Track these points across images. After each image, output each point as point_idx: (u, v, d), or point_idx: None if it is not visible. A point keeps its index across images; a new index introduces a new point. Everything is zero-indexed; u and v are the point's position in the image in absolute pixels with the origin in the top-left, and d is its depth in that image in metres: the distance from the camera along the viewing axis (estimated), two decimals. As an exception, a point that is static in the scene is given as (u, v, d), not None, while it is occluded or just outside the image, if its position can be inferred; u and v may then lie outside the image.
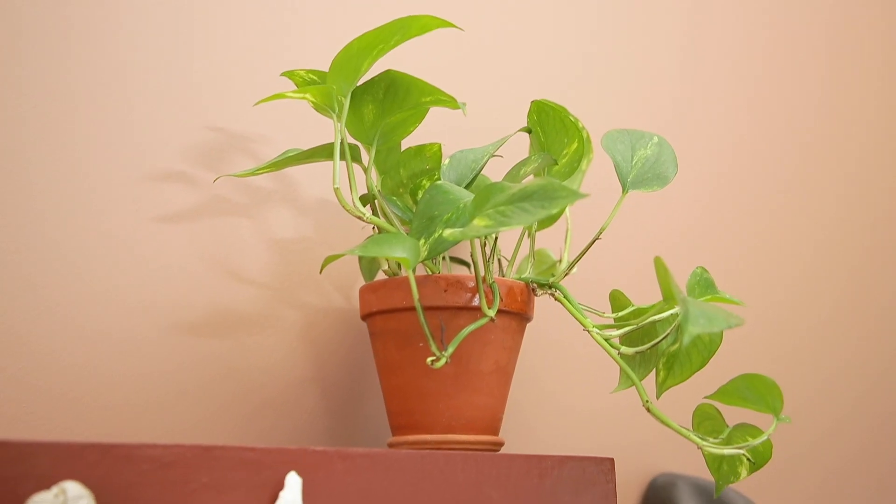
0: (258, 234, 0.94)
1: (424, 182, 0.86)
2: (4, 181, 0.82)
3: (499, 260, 0.88)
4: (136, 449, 0.62)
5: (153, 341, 0.86)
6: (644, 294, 0.93)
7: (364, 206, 0.85)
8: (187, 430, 0.86)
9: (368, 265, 0.93)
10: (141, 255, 0.87)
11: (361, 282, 0.98)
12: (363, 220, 0.80)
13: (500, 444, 0.84)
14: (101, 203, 0.86)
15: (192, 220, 0.90)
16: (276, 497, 0.66)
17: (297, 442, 0.92)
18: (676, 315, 0.76)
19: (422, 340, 0.81)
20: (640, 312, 0.81)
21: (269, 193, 0.95)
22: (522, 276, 0.86)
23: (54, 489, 0.57)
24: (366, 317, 0.86)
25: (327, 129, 0.96)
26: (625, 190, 0.82)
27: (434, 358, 0.74)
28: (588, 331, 0.78)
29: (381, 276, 0.96)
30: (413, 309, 0.81)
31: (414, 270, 0.74)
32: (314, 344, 0.94)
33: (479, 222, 0.70)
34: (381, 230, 0.84)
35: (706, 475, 1.11)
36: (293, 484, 0.66)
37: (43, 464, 0.58)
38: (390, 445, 0.84)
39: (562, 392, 1.08)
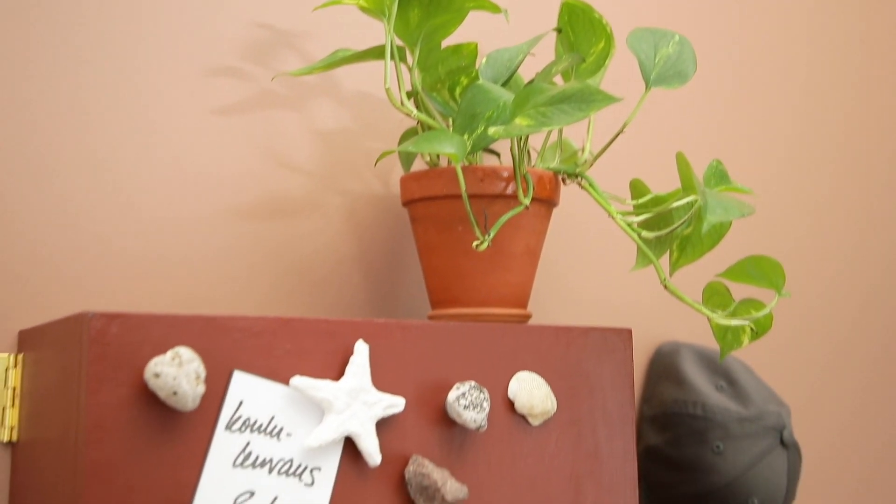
0: (304, 125, 1.01)
1: (462, 79, 0.93)
2: (74, 79, 0.90)
3: (528, 151, 0.96)
4: (230, 320, 0.72)
5: (211, 224, 0.95)
6: (658, 183, 1.02)
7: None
8: (245, 303, 0.96)
9: (407, 155, 1.01)
10: (200, 146, 0.95)
11: (398, 170, 1.06)
12: (410, 117, 0.87)
13: (529, 317, 0.94)
14: (161, 97, 0.94)
15: (244, 113, 0.98)
16: (347, 361, 0.76)
17: (341, 315, 1.02)
18: (692, 203, 0.85)
19: (460, 225, 0.90)
20: (658, 200, 0.90)
21: (313, 88, 1.02)
22: (551, 166, 0.94)
23: (170, 353, 0.67)
24: (407, 203, 0.95)
25: (365, 30, 1.02)
26: (648, 87, 0.89)
27: (478, 241, 0.83)
28: (612, 217, 0.87)
29: (417, 165, 1.04)
30: (452, 196, 0.89)
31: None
32: (356, 227, 1.03)
33: (521, 121, 0.77)
34: (424, 125, 0.92)
35: (707, 343, 1.22)
36: (361, 350, 0.76)
37: (157, 333, 0.68)
38: (430, 318, 0.94)
39: (580, 271, 1.18)
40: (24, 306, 0.85)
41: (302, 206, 1.00)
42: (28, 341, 0.82)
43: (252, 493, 0.70)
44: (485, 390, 0.80)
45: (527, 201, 0.86)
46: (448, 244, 0.91)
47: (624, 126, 0.90)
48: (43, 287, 0.86)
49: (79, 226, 0.89)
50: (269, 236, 0.98)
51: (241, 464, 0.70)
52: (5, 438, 0.82)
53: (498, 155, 1.05)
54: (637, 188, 0.94)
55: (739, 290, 0.92)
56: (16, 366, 0.83)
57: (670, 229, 0.84)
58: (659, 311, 1.20)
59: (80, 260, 0.88)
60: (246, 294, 0.96)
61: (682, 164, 0.77)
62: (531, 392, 0.84)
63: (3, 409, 0.82)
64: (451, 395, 0.79)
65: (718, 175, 0.84)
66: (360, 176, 1.04)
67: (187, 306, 0.93)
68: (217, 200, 0.96)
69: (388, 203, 1.05)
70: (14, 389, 0.82)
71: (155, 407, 0.67)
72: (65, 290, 0.87)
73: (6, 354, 0.83)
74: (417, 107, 0.93)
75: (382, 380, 0.77)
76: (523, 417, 0.84)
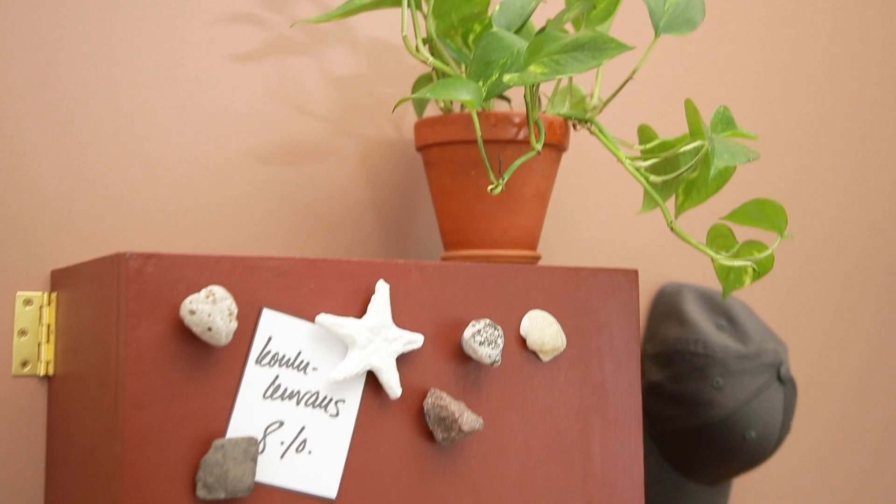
0: (319, 71, 1.04)
1: (475, 26, 0.95)
2: (98, 30, 0.92)
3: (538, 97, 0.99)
4: (259, 260, 0.75)
5: (231, 168, 0.98)
6: (665, 128, 1.05)
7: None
8: (264, 245, 1.00)
9: (420, 101, 1.04)
10: (219, 92, 0.98)
11: (411, 116, 1.09)
12: (426, 64, 0.90)
13: (538, 258, 0.98)
14: (182, 45, 0.96)
15: (260, 59, 1.00)
16: (368, 300, 0.80)
17: (355, 257, 1.05)
18: (699, 148, 0.88)
19: (473, 169, 0.93)
20: (665, 145, 0.93)
21: (329, 35, 1.04)
22: (562, 112, 0.97)
23: (204, 291, 0.70)
24: (421, 148, 0.97)
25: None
26: (657, 34, 0.91)
27: (493, 186, 0.86)
28: (622, 161, 0.90)
29: (429, 111, 1.06)
30: (466, 142, 0.92)
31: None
32: (370, 171, 1.06)
33: (535, 69, 0.80)
34: (438, 72, 0.94)
35: (707, 284, 1.26)
36: (382, 289, 0.80)
37: (190, 272, 0.72)
38: (443, 259, 0.98)
39: (586, 214, 1.21)
40: (55, 247, 0.89)
41: (318, 151, 1.03)
42: (60, 281, 0.86)
43: (281, 423, 0.75)
44: (499, 327, 0.84)
45: (539, 147, 0.89)
46: (461, 188, 0.94)
47: (633, 73, 0.92)
48: (71, 229, 0.90)
49: (102, 171, 0.92)
50: (286, 180, 1.01)
51: (271, 396, 0.74)
52: (42, 372, 0.86)
53: (508, 101, 1.07)
54: (645, 134, 0.97)
55: (742, 233, 0.96)
56: (49, 304, 0.86)
57: (677, 174, 0.88)
58: (661, 253, 1.24)
59: (104, 203, 0.92)
60: (265, 236, 1.00)
61: (691, 110, 0.79)
62: (542, 329, 0.88)
63: (39, 345, 0.86)
64: (467, 332, 0.83)
65: (725, 121, 0.87)
66: (373, 121, 1.07)
67: (209, 248, 0.96)
68: (236, 145, 0.99)
69: (400, 148, 1.08)
70: (48, 326, 0.86)
71: (190, 342, 0.71)
72: (92, 232, 0.91)
73: (40, 293, 0.87)
74: (432, 53, 0.95)
75: (402, 317, 0.81)
76: (534, 354, 0.88)
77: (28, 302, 0.86)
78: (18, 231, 0.87)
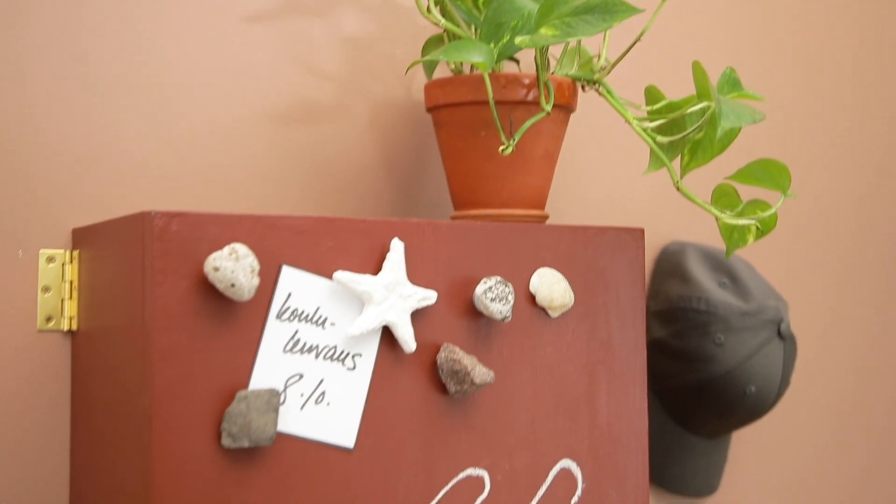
0: (329, 32, 1.05)
1: (485, -13, 0.96)
2: (115, -13, 0.93)
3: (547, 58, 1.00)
4: (278, 219, 0.77)
5: (244, 128, 1.00)
6: (671, 90, 1.06)
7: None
8: (278, 205, 1.02)
9: (431, 63, 1.05)
10: (232, 52, 0.99)
11: (420, 77, 1.10)
12: (438, 25, 0.91)
13: (546, 217, 1.00)
14: (199, 5, 0.97)
15: (274, 20, 1.02)
16: (383, 258, 0.82)
17: (366, 216, 1.07)
18: (705, 109, 0.89)
19: (483, 130, 0.95)
20: (672, 106, 0.95)
21: (340, -4, 1.05)
22: (570, 74, 0.98)
23: (227, 249, 0.73)
24: (431, 109, 0.99)
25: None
26: (664, -4, 0.93)
27: (504, 146, 0.88)
28: (629, 122, 0.92)
29: (439, 72, 1.08)
30: (476, 103, 0.94)
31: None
32: (380, 132, 1.08)
33: (546, 31, 0.82)
34: (449, 33, 0.96)
35: (710, 243, 1.29)
36: (397, 247, 0.82)
37: (212, 230, 0.74)
38: (453, 219, 1.00)
39: (593, 174, 1.23)
40: (76, 207, 0.91)
41: (329, 112, 1.05)
42: (82, 239, 0.88)
43: (301, 376, 0.77)
44: (510, 284, 0.87)
45: (548, 108, 0.91)
46: (471, 149, 0.96)
47: (641, 35, 0.94)
48: (91, 189, 0.92)
49: (120, 133, 0.94)
50: (299, 140, 1.03)
51: (291, 350, 0.77)
52: (65, 328, 0.88)
53: (517, 62, 1.09)
54: (652, 95, 0.98)
55: (747, 193, 0.98)
56: (71, 261, 0.89)
57: (684, 134, 0.89)
58: (665, 213, 1.26)
59: (122, 164, 0.94)
60: (278, 196, 1.02)
61: (699, 72, 0.81)
62: (551, 286, 0.90)
63: (62, 301, 0.88)
64: (479, 289, 0.85)
65: (731, 82, 0.88)
66: (384, 82, 1.08)
67: (223, 207, 0.98)
68: (249, 106, 1.00)
69: (410, 108, 1.10)
70: (71, 283, 0.88)
71: (213, 298, 0.74)
72: (110, 191, 0.93)
73: (62, 251, 0.89)
74: (443, 14, 0.96)
75: (416, 274, 0.83)
76: (543, 310, 0.90)
77: (51, 259, 0.88)
78: (40, 191, 0.89)
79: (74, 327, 0.88)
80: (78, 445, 0.87)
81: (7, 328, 0.87)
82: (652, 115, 0.97)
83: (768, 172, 0.87)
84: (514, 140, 0.89)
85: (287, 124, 1.02)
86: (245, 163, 1.00)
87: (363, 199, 1.07)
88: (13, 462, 0.87)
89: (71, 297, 0.88)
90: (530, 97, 0.94)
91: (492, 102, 0.88)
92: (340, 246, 0.80)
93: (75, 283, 0.88)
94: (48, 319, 0.88)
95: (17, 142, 0.89)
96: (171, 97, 0.96)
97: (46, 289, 0.88)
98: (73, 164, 0.91)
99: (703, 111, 0.90)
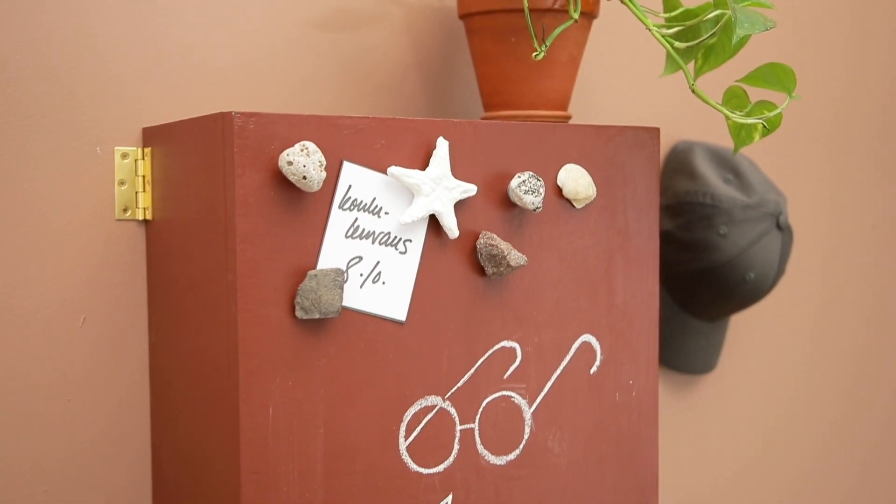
0: (366, -58, 1.12)
1: None
2: None
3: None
4: (339, 119, 0.86)
5: (290, 35, 1.07)
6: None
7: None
8: (318, 107, 1.10)
9: (462, -29, 1.12)
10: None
11: (451, -16, 1.17)
12: (474, -62, 0.98)
13: (570, 117, 1.09)
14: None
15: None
16: (430, 154, 0.91)
17: (400, 116, 1.16)
18: (719, 16, 0.97)
19: (513, 37, 1.03)
20: (688, 14, 1.03)
21: None
22: (594, -17, 1.06)
23: (298, 146, 0.82)
24: (464, 16, 1.07)
25: None
26: (683, -89, 1.00)
27: (536, 52, 0.97)
28: (650, 29, 1.00)
29: (469, -21, 1.15)
30: (507, 10, 1.02)
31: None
32: (415, 37, 1.16)
33: (578, -55, 0.89)
34: (483, -55, 1.02)
35: (716, 141, 1.38)
36: (442, 144, 0.91)
37: (282, 129, 0.83)
38: (483, 119, 1.09)
39: (611, 77, 1.31)
40: (145, 108, 0.99)
41: (366, 18, 1.13)
42: (153, 137, 0.97)
43: (360, 258, 0.88)
44: (541, 178, 0.96)
45: (576, 15, 0.99)
46: (502, 54, 1.05)
47: (661, -54, 1.01)
48: (158, 90, 1.00)
49: (172, 39, 1.01)
50: (337, 45, 1.11)
51: (351, 235, 0.87)
52: (140, 217, 0.98)
53: (543, -29, 1.15)
54: (669, 2, 1.06)
55: (755, 95, 1.06)
56: (143, 158, 0.98)
57: (699, 40, 0.98)
58: (674, 113, 1.35)
59: (186, 67, 1.02)
60: (319, 98, 1.10)
61: (715, -17, 0.89)
62: (576, 180, 1.00)
63: (136, 194, 0.98)
64: (514, 182, 0.95)
65: (744, -8, 0.96)
66: (417, -11, 1.15)
67: (272, 108, 1.07)
68: (294, 14, 1.08)
69: (442, 15, 1.17)
70: (143, 177, 0.98)
71: (287, 189, 0.83)
72: (175, 93, 1.01)
73: (134, 148, 0.98)
74: (477, -72, 1.03)
75: (457, 169, 0.93)
76: (569, 201, 1.00)
77: (125, 156, 0.97)
78: (114, 92, 0.98)
79: (149, 217, 0.98)
80: (155, 320, 0.98)
81: (89, 217, 0.97)
82: (669, 22, 1.05)
83: (775, 75, 0.96)
84: (545, 45, 0.97)
85: (327, 30, 1.10)
86: (290, 67, 1.08)
87: (399, 103, 1.15)
88: (96, 335, 0.98)
89: (144, 190, 0.98)
90: (558, 5, 1.01)
91: (526, 10, 0.96)
92: (393, 143, 0.89)
93: (148, 178, 0.98)
94: (125, 210, 0.98)
95: (99, 50, 0.97)
96: (219, 5, 1.03)
97: (122, 182, 0.97)
98: (142, 70, 0.99)
99: (717, 18, 0.98)
